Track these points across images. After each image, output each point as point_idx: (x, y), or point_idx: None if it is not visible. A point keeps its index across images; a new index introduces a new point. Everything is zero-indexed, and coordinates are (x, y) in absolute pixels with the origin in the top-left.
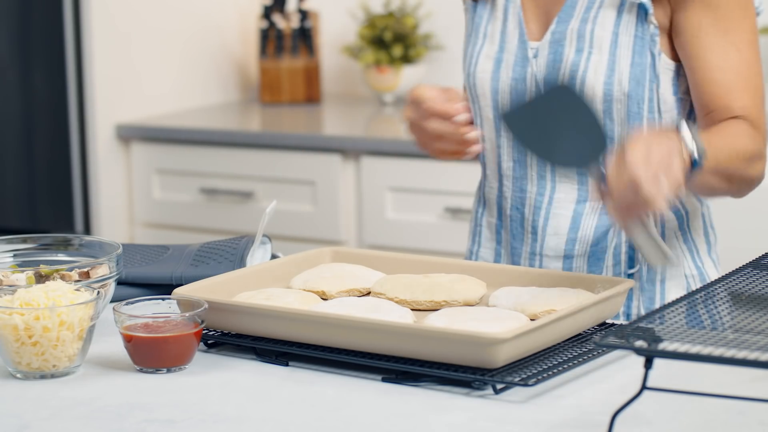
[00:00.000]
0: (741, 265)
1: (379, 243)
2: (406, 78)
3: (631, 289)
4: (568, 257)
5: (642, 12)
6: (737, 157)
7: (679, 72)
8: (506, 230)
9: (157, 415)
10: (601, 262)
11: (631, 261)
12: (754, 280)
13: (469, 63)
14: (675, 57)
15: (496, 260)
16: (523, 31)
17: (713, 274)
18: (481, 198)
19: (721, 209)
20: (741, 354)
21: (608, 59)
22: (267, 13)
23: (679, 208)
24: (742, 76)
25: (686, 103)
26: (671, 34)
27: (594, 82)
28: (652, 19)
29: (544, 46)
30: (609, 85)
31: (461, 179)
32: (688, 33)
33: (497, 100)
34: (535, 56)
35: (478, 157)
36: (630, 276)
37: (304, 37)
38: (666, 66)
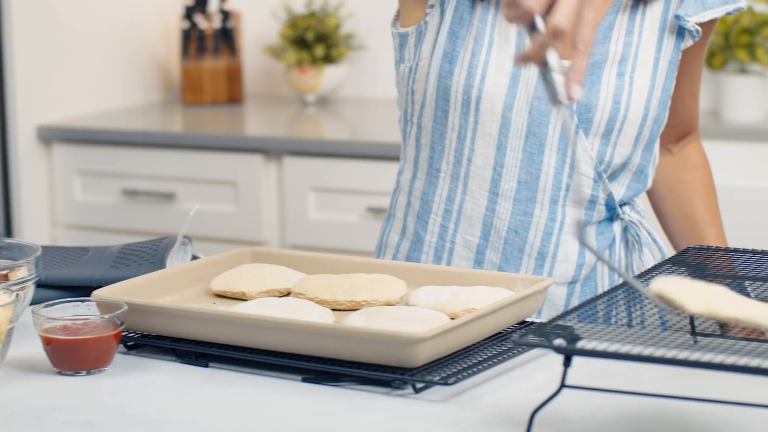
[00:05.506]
0: (660, 261)
1: (301, 243)
2: (328, 78)
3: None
4: (573, 282)
5: (680, 38)
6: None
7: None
8: (495, 252)
9: (77, 418)
10: (594, 282)
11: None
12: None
13: (469, 73)
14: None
15: None
16: None
17: None
18: (455, 213)
19: None
20: (659, 352)
21: (649, 84)
22: (188, 13)
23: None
24: (699, 79)
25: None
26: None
27: (638, 107)
28: (688, 44)
29: None
30: (647, 110)
31: (383, 179)
32: (692, 55)
33: (509, 117)
34: None
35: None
36: None
37: (226, 37)
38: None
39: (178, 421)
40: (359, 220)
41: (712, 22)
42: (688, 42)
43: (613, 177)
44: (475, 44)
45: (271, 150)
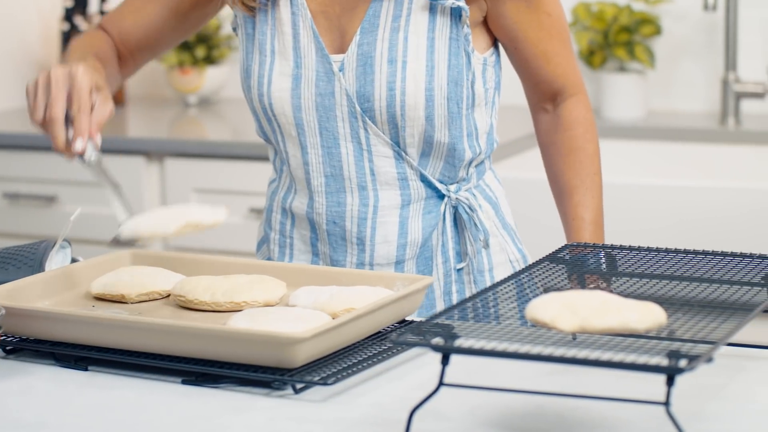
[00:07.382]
0: (538, 259)
1: (184, 245)
2: (210, 79)
3: (464, 283)
4: (399, 262)
5: (456, 15)
6: (597, 172)
7: (486, 63)
8: (324, 243)
9: None
10: (430, 261)
11: (459, 256)
12: (550, 274)
13: (259, 83)
14: (482, 49)
15: None
16: (321, 45)
17: (531, 257)
18: (287, 212)
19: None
20: (536, 349)
21: (426, 65)
22: (68, 15)
23: (491, 195)
24: (556, 38)
25: (491, 92)
26: (487, 25)
27: (414, 90)
28: (467, 20)
29: (351, 59)
30: (430, 90)
31: (266, 180)
32: (508, 20)
33: (300, 117)
34: (341, 69)
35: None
36: (460, 270)
37: None
38: (477, 61)
39: (58, 426)
40: (242, 221)
41: None
42: (466, 18)
43: (424, 154)
44: (261, 55)
45: (153, 152)
